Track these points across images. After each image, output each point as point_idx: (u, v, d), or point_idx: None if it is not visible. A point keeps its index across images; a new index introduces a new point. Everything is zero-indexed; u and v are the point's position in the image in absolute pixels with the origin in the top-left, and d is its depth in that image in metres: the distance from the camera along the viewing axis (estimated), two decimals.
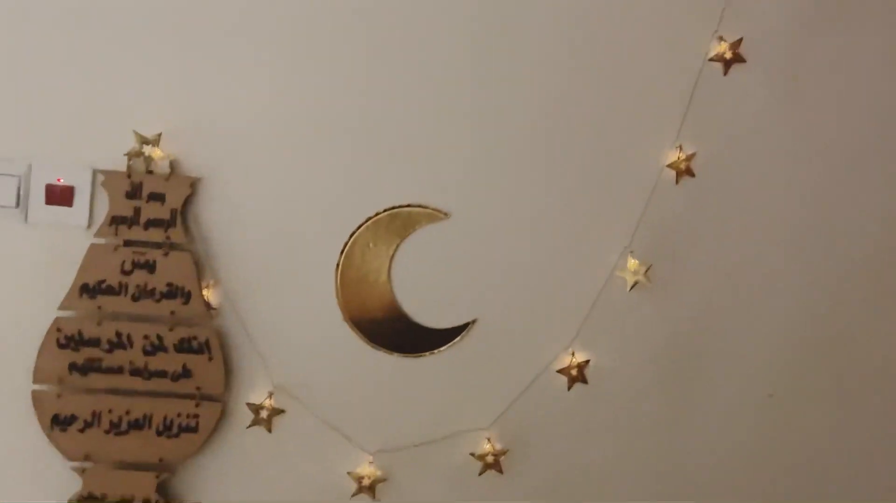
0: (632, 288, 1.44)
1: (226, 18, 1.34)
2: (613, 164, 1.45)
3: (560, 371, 1.45)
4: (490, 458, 1.43)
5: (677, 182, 1.45)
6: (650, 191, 1.45)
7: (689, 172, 1.45)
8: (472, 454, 1.43)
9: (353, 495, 1.40)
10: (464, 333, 1.44)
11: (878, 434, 1.57)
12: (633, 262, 1.44)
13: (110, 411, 1.32)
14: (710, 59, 1.43)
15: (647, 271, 1.44)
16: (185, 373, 1.34)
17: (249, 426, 1.37)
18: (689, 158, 1.44)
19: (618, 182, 1.45)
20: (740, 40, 1.43)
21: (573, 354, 1.45)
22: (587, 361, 1.45)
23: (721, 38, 1.43)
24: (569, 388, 1.45)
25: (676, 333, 1.49)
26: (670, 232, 1.46)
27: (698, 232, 1.48)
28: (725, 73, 1.44)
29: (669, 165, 1.44)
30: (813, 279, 1.52)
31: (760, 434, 1.54)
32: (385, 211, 1.41)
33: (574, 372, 1.44)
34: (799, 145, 1.49)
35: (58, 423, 1.31)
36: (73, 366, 1.31)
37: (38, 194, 1.32)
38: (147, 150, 1.32)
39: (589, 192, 1.45)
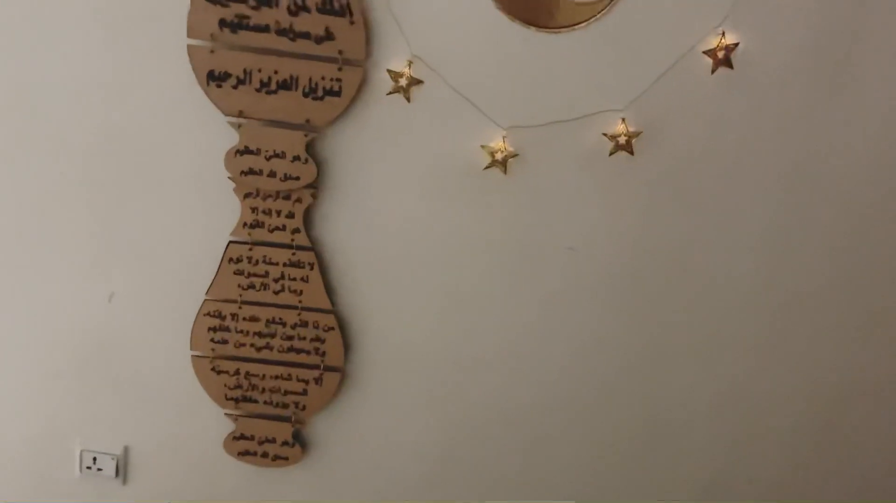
0: None
1: None
2: None
3: (706, 52, 1.38)
4: (622, 139, 1.43)
5: None
6: None
7: None
8: (605, 134, 1.44)
9: (486, 168, 1.46)
10: (607, 8, 1.37)
11: None
12: None
13: (260, 70, 1.38)
14: None
15: None
16: (328, 35, 1.36)
17: (389, 93, 1.41)
18: None
19: None
20: None
21: (722, 34, 1.37)
22: (736, 44, 1.38)
23: None
24: (712, 72, 1.40)
25: (834, 23, 1.37)
26: None
27: None
28: None
29: None
30: None
31: None
32: None
33: (720, 54, 1.38)
34: None
35: (213, 79, 1.38)
36: (222, 22, 1.35)
37: None
38: None
39: None
